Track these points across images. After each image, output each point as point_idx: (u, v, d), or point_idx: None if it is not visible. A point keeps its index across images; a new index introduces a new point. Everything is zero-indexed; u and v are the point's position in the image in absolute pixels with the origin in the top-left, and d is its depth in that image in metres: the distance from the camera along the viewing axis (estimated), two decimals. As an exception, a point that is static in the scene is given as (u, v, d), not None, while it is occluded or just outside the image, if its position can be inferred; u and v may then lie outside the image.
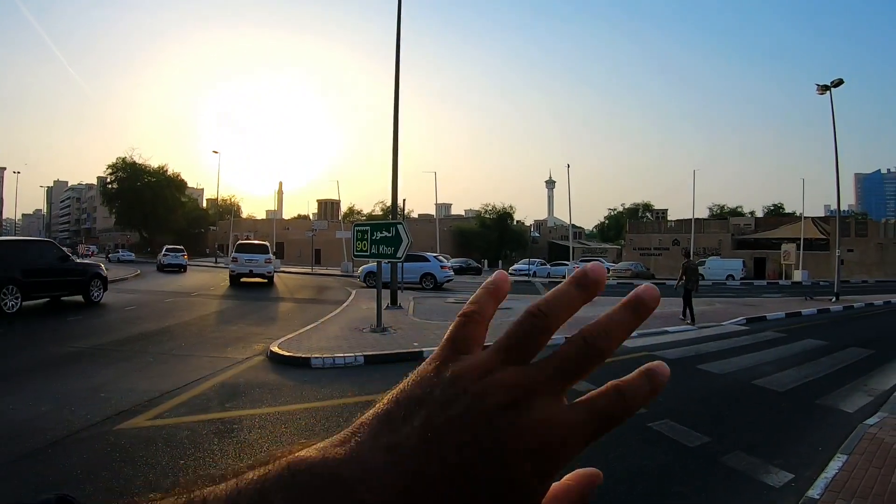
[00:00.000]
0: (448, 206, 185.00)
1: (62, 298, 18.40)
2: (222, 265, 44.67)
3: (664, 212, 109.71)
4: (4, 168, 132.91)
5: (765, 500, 5.14)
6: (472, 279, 46.39)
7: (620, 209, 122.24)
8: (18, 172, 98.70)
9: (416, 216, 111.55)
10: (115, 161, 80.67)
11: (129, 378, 8.99)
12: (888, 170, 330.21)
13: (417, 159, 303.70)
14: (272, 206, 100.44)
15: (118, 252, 66.61)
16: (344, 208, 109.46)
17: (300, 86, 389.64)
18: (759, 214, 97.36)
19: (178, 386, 8.43)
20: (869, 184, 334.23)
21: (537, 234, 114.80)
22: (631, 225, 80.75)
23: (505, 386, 0.41)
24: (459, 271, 52.62)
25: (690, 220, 61.96)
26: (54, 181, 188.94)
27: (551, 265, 57.61)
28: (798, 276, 49.93)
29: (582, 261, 58.63)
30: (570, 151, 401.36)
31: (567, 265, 49.34)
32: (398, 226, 13.76)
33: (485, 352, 0.45)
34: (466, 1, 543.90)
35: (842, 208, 35.67)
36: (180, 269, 42.88)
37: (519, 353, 0.43)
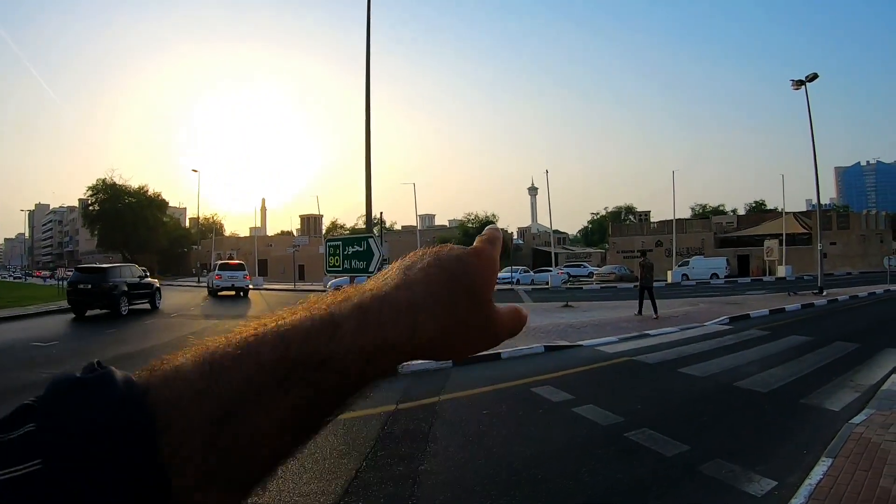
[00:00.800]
0: (431, 217, 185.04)
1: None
2: (205, 284, 44.64)
3: (647, 214, 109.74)
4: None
5: (745, 512, 4.89)
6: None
7: (603, 213, 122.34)
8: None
9: (400, 228, 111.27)
10: (95, 183, 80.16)
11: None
12: (867, 162, 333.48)
13: (399, 171, 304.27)
14: (255, 223, 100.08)
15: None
16: (327, 223, 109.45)
17: (279, 101, 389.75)
18: (742, 212, 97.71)
19: None
20: (849, 177, 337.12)
21: (521, 242, 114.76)
22: (614, 228, 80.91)
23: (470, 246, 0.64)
24: (442, 282, 52.36)
25: (672, 221, 61.86)
26: (36, 204, 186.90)
27: (535, 272, 57.36)
28: (782, 271, 50.09)
29: (566, 266, 58.70)
30: (552, 157, 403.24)
31: (551, 271, 49.08)
32: (369, 239, 13.50)
33: None
34: (442, 9, 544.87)
35: (823, 202, 35.82)
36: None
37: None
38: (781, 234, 54.54)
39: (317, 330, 0.50)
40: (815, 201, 37.37)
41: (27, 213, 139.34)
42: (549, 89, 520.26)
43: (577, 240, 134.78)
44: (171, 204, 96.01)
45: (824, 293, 27.53)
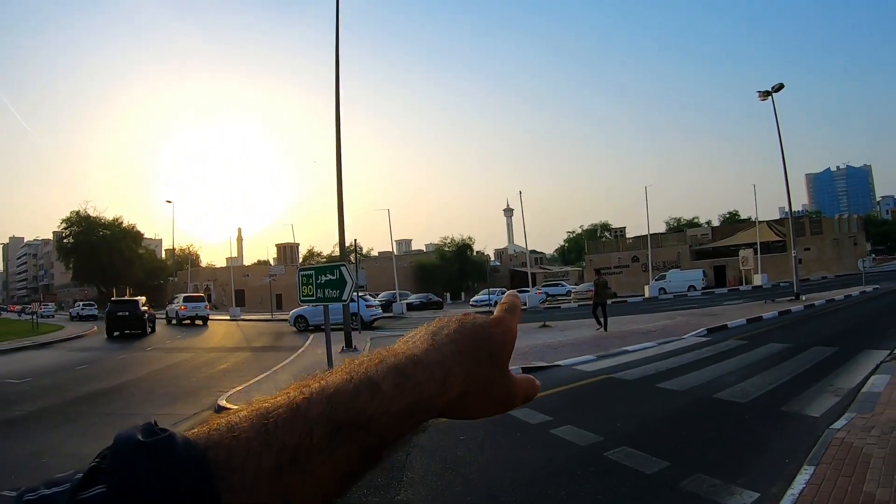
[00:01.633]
0: (408, 242, 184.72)
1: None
2: (168, 314, 45.30)
3: (622, 230, 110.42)
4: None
5: (728, 527, 4.78)
6: (432, 314, 45.85)
7: (579, 231, 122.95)
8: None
9: (376, 254, 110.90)
10: (69, 215, 79.02)
11: (72, 441, 8.77)
12: (837, 167, 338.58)
13: (373, 197, 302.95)
14: (231, 252, 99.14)
15: (77, 306, 64.26)
16: (304, 251, 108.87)
17: (251, 129, 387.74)
18: (716, 224, 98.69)
19: None
20: (820, 182, 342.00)
21: (498, 263, 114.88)
22: (590, 246, 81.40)
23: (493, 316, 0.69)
24: (420, 307, 52.25)
25: (647, 236, 62.26)
26: (10, 237, 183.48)
27: (518, 294, 57.39)
28: (758, 280, 50.52)
29: (544, 285, 58.77)
30: (526, 178, 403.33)
31: (528, 291, 49.05)
32: (342, 268, 13.43)
33: None
34: (412, 35, 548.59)
35: (795, 209, 36.34)
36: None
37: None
38: (756, 243, 55.03)
39: (359, 392, 0.55)
40: (787, 209, 37.71)
41: (1, 246, 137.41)
42: (519, 110, 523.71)
43: (555, 259, 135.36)
44: (146, 235, 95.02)
45: (802, 298, 27.75)
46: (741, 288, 49.47)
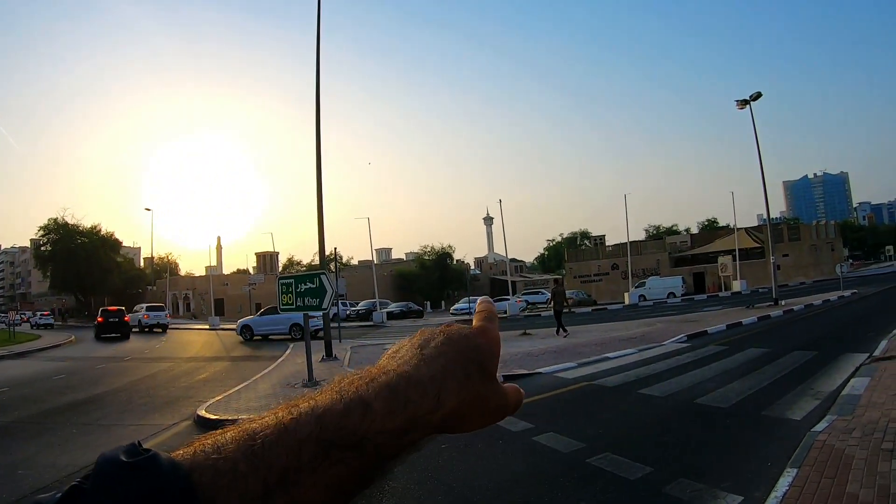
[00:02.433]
0: (388, 251, 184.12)
1: None
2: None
3: (602, 238, 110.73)
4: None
5: (713, 531, 4.75)
6: (413, 322, 45.77)
7: (559, 239, 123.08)
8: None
9: (357, 262, 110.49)
10: (47, 222, 77.87)
11: (50, 452, 8.65)
12: (814, 174, 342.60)
13: (353, 205, 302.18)
14: (210, 261, 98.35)
15: (36, 315, 64.45)
16: (283, 259, 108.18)
17: (230, 137, 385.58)
18: (695, 231, 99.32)
19: None
20: (797, 189, 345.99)
21: (478, 272, 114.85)
22: (570, 254, 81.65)
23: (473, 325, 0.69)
24: (401, 315, 52.06)
25: (627, 243, 62.49)
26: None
27: (493, 301, 57.30)
28: (737, 286, 50.94)
29: (525, 293, 58.85)
30: (506, 187, 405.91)
31: (509, 299, 49.02)
32: (321, 276, 13.32)
33: None
34: (391, 44, 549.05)
35: (773, 216, 36.68)
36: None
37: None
38: (734, 250, 55.54)
39: (349, 411, 0.55)
40: (765, 215, 38.04)
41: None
42: (499, 119, 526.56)
43: (535, 267, 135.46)
44: (124, 244, 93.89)
45: (782, 303, 27.96)
46: (720, 294, 49.75)
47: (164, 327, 44.65)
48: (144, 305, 47.35)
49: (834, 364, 11.15)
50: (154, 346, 29.95)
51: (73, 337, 38.40)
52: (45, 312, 67.92)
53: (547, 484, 5.96)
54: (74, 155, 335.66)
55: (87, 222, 79.82)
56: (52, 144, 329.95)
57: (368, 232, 52.10)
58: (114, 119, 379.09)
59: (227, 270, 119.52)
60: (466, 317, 45.79)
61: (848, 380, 9.35)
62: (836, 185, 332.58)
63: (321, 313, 16.86)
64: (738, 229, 61.67)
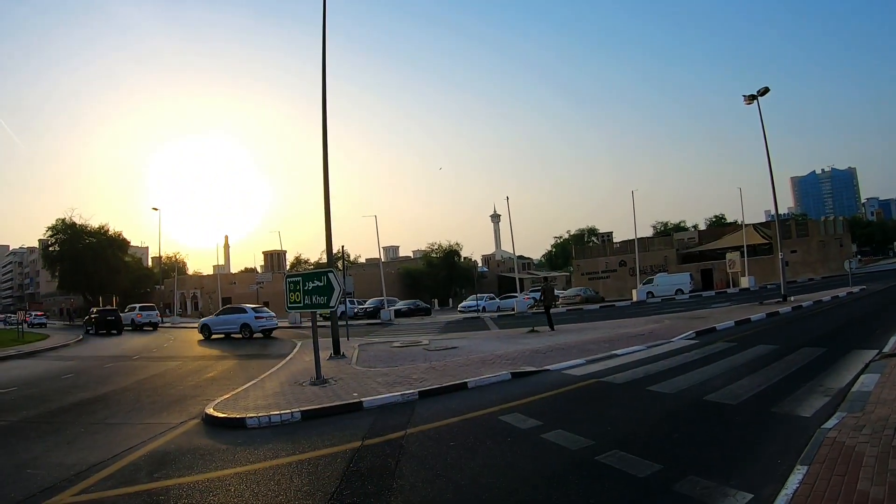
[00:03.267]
0: (395, 248, 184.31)
1: None
2: (167, 325, 51.36)
3: (609, 235, 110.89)
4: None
5: (723, 528, 4.73)
6: (420, 320, 45.72)
7: (566, 236, 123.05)
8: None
9: (364, 261, 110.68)
10: (55, 223, 78.17)
11: (58, 451, 8.64)
12: (822, 170, 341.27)
13: (361, 203, 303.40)
14: (218, 260, 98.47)
15: (31, 316, 64.38)
16: (291, 258, 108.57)
17: (238, 137, 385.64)
18: (702, 227, 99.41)
19: (107, 457, 8.01)
20: (805, 185, 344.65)
21: (485, 269, 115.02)
22: (577, 250, 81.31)
23: None
24: (408, 313, 52.06)
25: (634, 240, 62.33)
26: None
27: (500, 298, 57.30)
28: (745, 282, 50.81)
29: (532, 291, 58.81)
30: (514, 184, 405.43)
31: (516, 296, 48.95)
32: (329, 274, 13.27)
33: None
34: (401, 40, 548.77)
35: (781, 211, 36.46)
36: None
37: None
38: (742, 246, 55.38)
39: None
40: (773, 211, 37.87)
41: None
42: (506, 116, 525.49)
43: (542, 264, 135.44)
44: (132, 243, 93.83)
45: (790, 300, 27.86)
46: (728, 291, 49.68)
47: (155, 325, 49.43)
48: (137, 306, 51.69)
49: (843, 361, 11.10)
50: (162, 345, 30.03)
51: (81, 336, 38.86)
52: (39, 313, 73.65)
53: (555, 481, 5.94)
54: (82, 155, 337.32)
55: (94, 222, 79.98)
56: (59, 145, 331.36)
57: (376, 230, 51.85)
58: (120, 119, 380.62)
59: (234, 269, 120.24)
60: (474, 314, 45.97)
61: (857, 376, 9.30)
62: (844, 181, 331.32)
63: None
64: (746, 225, 61.46)
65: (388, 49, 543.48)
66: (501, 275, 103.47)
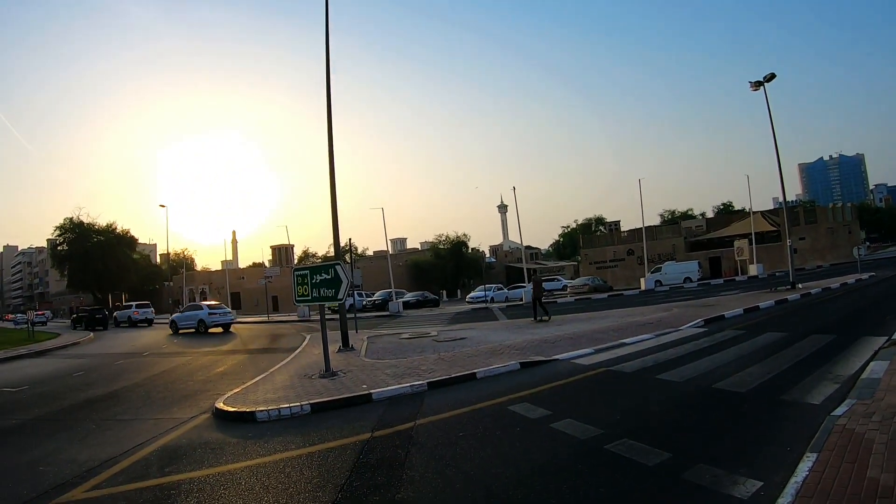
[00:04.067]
0: (403, 241, 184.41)
1: None
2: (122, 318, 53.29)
3: (617, 223, 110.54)
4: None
5: (732, 517, 4.74)
6: (429, 311, 45.73)
7: (574, 226, 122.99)
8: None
9: (372, 253, 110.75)
10: (63, 222, 78.23)
11: (70, 448, 8.71)
12: (830, 156, 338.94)
13: (368, 197, 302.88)
14: (226, 255, 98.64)
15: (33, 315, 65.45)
16: (299, 251, 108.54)
17: (244, 131, 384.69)
18: (710, 215, 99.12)
19: (119, 453, 8.08)
20: (813, 172, 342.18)
21: (493, 260, 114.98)
22: (585, 240, 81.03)
23: None
24: (416, 304, 52.07)
25: (642, 228, 62.13)
26: (4, 246, 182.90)
27: (508, 289, 57.25)
28: (754, 270, 50.64)
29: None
30: (521, 174, 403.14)
31: (524, 286, 48.85)
32: (336, 267, 13.28)
33: None
34: (406, 32, 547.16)
35: (789, 198, 36.36)
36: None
37: None
38: (751, 234, 55.17)
39: None
40: (781, 198, 37.72)
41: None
42: (512, 106, 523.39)
43: (550, 254, 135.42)
44: (140, 240, 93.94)
45: (799, 287, 27.80)
46: (737, 278, 49.57)
47: (150, 322, 51.77)
48: (134, 304, 55.00)
49: (852, 348, 11.06)
50: (172, 341, 30.13)
51: (91, 335, 38.88)
52: (41, 312, 75.10)
53: (565, 471, 5.96)
54: (88, 154, 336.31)
55: (102, 220, 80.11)
56: (65, 145, 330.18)
57: (383, 222, 52.13)
58: (127, 118, 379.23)
59: (242, 264, 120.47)
60: (483, 304, 45.95)
61: (867, 363, 9.27)
62: (852, 167, 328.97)
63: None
64: (754, 213, 61.10)
65: (392, 42, 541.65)
66: (509, 265, 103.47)
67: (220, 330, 35.51)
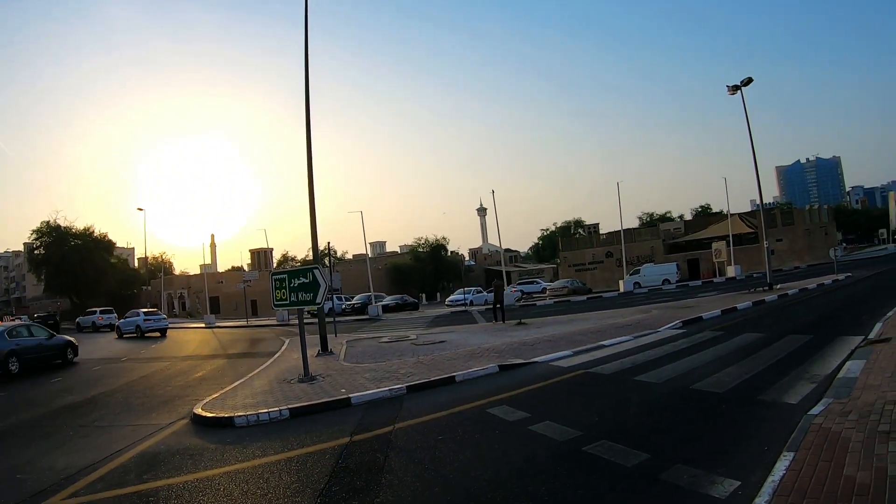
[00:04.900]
0: (382, 244, 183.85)
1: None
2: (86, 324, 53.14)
3: (596, 226, 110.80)
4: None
5: (710, 516, 4.75)
6: (408, 315, 45.70)
7: (553, 228, 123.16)
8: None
9: (351, 256, 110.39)
10: (39, 226, 77.29)
11: (48, 455, 8.63)
12: (807, 159, 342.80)
13: (348, 200, 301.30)
14: (204, 259, 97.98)
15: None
16: (278, 255, 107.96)
17: (221, 133, 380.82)
18: (688, 217, 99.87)
19: (97, 460, 8.01)
20: (790, 174, 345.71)
21: (472, 263, 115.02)
22: (564, 243, 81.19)
23: None
24: (396, 308, 51.99)
25: (621, 231, 62.44)
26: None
27: (488, 292, 57.35)
28: (732, 271, 51.13)
29: (519, 283, 58.88)
30: (499, 177, 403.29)
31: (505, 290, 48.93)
32: (314, 270, 13.22)
33: None
34: (383, 37, 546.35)
35: (766, 201, 36.71)
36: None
37: None
38: (728, 236, 55.68)
39: None
40: (758, 201, 38.07)
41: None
42: (490, 109, 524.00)
43: (529, 257, 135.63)
44: (118, 244, 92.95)
45: (776, 288, 28.05)
46: (715, 280, 49.96)
47: (113, 327, 51.97)
48: (98, 310, 55.24)
49: (829, 347, 11.18)
50: (150, 346, 29.80)
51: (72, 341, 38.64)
52: (11, 318, 72.08)
53: (544, 473, 5.95)
54: (65, 157, 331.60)
55: (79, 224, 79.17)
56: (41, 147, 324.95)
57: (362, 225, 52.04)
58: (103, 120, 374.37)
59: (221, 268, 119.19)
60: (462, 308, 45.95)
61: (843, 363, 9.37)
62: (828, 170, 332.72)
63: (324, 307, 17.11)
64: (732, 215, 61.69)
65: (372, 44, 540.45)
66: (489, 268, 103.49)
67: (157, 334, 39.19)
